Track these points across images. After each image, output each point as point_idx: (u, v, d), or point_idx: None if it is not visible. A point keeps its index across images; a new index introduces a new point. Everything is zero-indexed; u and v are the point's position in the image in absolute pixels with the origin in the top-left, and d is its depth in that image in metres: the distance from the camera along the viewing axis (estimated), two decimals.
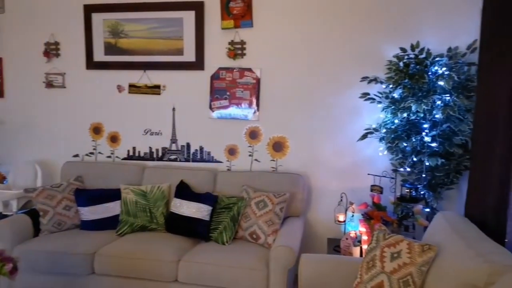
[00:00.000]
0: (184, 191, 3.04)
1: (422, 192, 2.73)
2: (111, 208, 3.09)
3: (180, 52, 3.38)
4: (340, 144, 3.19)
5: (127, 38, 3.46)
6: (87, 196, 3.12)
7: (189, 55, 3.36)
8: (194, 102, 3.41)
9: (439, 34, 2.92)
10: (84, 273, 2.68)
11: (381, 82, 2.93)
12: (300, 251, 2.61)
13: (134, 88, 3.51)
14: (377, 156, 3.07)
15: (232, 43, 3.29)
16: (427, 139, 2.61)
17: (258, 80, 3.27)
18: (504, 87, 1.93)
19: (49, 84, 3.63)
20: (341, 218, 2.90)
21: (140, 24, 3.42)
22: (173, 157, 3.49)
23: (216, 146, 3.41)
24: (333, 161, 3.21)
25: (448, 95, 2.55)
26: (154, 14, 3.38)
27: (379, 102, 2.95)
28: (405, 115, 2.70)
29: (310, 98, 3.21)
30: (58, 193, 3.10)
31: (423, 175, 2.69)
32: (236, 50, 3.28)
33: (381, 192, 2.87)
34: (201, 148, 3.44)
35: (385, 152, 2.97)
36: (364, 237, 2.63)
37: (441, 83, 2.54)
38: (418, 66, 2.69)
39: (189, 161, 3.46)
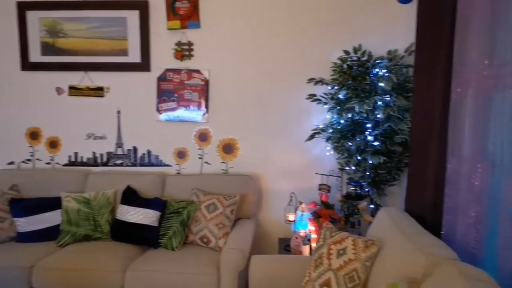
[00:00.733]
0: (130, 197, 2.93)
1: (366, 189, 2.83)
2: (51, 218, 2.90)
3: (124, 52, 3.25)
4: (290, 144, 3.23)
5: (66, 37, 3.27)
6: (24, 206, 2.90)
7: (134, 56, 3.24)
8: (141, 104, 3.30)
9: (380, 38, 3.05)
10: None
11: (327, 84, 3.00)
12: (251, 252, 2.61)
13: (74, 90, 3.32)
14: (325, 155, 3.15)
15: (179, 44, 3.22)
16: (370, 138, 2.72)
17: (206, 82, 3.23)
18: (437, 88, 2.05)
19: None
20: (291, 217, 2.94)
21: (80, 23, 3.25)
22: (119, 162, 3.35)
23: (165, 149, 3.33)
24: (283, 162, 3.25)
25: (388, 95, 2.67)
26: (95, 13, 3.23)
27: (325, 103, 3.02)
28: (349, 115, 2.78)
29: (259, 99, 3.22)
30: None
31: (367, 173, 2.79)
32: (184, 51, 3.22)
33: (329, 191, 2.94)
34: (149, 152, 3.34)
35: (332, 152, 3.05)
36: (313, 236, 2.68)
37: (381, 84, 2.65)
38: (360, 68, 2.79)
39: (136, 166, 3.34)
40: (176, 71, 3.23)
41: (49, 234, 2.86)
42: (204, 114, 3.25)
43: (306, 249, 2.64)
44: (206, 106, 3.24)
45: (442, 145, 2.02)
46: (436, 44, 2.02)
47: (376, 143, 2.72)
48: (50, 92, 3.34)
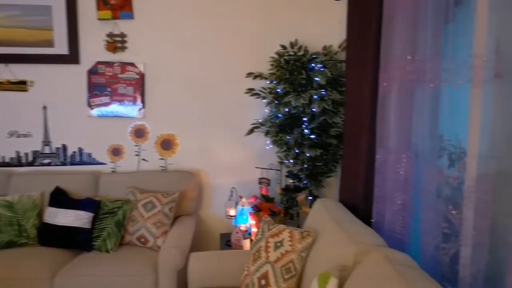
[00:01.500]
0: (59, 198, 2.74)
1: (305, 182, 2.89)
2: None
3: (50, 43, 3.02)
4: (230, 139, 3.21)
5: None
6: None
7: (61, 48, 3.02)
8: (70, 99, 3.08)
9: (316, 33, 3.12)
10: None
11: (265, 78, 3.01)
12: (192, 250, 2.56)
13: None
14: (265, 149, 3.17)
15: (111, 35, 3.05)
16: (306, 131, 2.77)
17: (142, 75, 3.10)
18: (367, 83, 2.13)
19: None
20: (232, 212, 2.93)
21: None
22: (46, 161, 3.12)
23: (98, 146, 3.15)
24: (223, 157, 3.22)
25: (323, 90, 2.73)
26: (15, 0, 2.95)
27: (264, 98, 3.03)
28: (286, 109, 2.82)
29: (198, 94, 3.16)
30: None
31: (305, 166, 2.85)
32: (116, 43, 3.05)
33: (269, 184, 2.96)
34: (81, 150, 3.14)
35: (271, 146, 3.07)
36: (254, 230, 2.69)
37: (317, 78, 2.71)
38: (297, 63, 2.83)
39: (66, 165, 3.13)
40: (109, 64, 3.07)
41: None
42: (140, 109, 3.12)
43: (246, 243, 2.64)
44: (142, 101, 3.11)
45: (372, 137, 2.12)
46: (365, 40, 2.10)
47: (312, 136, 2.78)
48: None
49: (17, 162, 3.10)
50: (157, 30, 3.08)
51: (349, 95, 2.33)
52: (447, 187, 1.56)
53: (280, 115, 2.90)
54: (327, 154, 2.85)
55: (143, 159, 3.18)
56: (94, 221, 2.67)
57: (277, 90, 2.93)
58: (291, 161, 2.92)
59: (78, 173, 3.00)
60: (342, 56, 2.92)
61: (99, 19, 3.01)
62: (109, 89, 3.08)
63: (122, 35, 3.06)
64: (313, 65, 2.80)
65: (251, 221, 2.76)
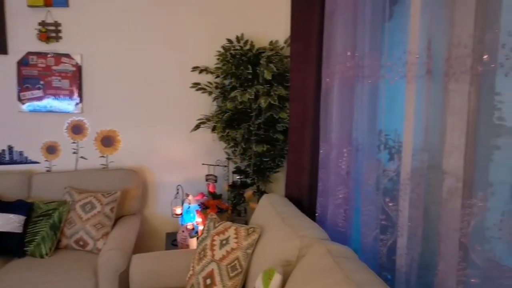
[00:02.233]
0: None
1: (252, 178, 2.88)
2: None
3: None
4: (175, 135, 3.11)
5: None
6: None
7: None
8: None
9: (262, 28, 3.11)
10: None
11: (211, 73, 2.95)
12: (136, 251, 2.46)
13: None
14: (212, 145, 3.11)
15: (43, 24, 2.83)
16: (253, 127, 2.76)
17: (79, 68, 2.91)
18: (311, 78, 2.15)
19: None
20: (178, 211, 2.85)
21: None
22: None
23: (31, 144, 2.91)
24: (169, 153, 3.12)
25: (269, 85, 2.73)
26: None
27: (210, 92, 2.97)
28: (233, 104, 2.78)
29: (141, 88, 3.02)
30: None
31: (252, 161, 2.84)
32: (49, 32, 2.84)
33: (216, 181, 2.92)
34: (10, 148, 2.89)
35: (219, 141, 3.03)
36: (201, 228, 2.64)
37: (263, 74, 2.70)
38: (243, 57, 2.80)
39: None
40: (41, 54, 2.84)
41: None
42: (77, 104, 2.93)
43: (193, 242, 2.58)
44: (80, 95, 2.93)
45: (316, 132, 2.14)
46: (308, 35, 2.12)
47: (259, 132, 2.77)
48: None
49: None
50: (95, 19, 2.90)
51: (293, 90, 2.34)
52: (384, 180, 1.61)
53: (227, 110, 2.86)
54: (274, 150, 2.86)
55: (82, 157, 2.99)
56: (26, 224, 2.47)
57: (224, 85, 2.89)
58: (238, 157, 2.90)
59: (8, 173, 2.76)
60: (288, 51, 2.93)
61: (29, 6, 2.77)
62: (42, 82, 2.86)
63: (56, 24, 2.85)
64: (259, 60, 2.79)
65: (198, 219, 2.71)
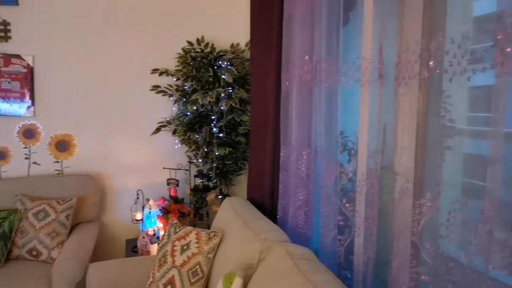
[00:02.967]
0: None
1: (215, 181, 2.86)
2: None
3: None
4: (135, 139, 3.03)
5: None
6: None
7: None
8: None
9: (223, 31, 3.10)
10: None
11: (172, 75, 2.91)
12: (94, 259, 2.37)
13: None
14: (173, 149, 3.06)
15: None
16: (215, 130, 2.74)
17: (30, 69, 2.77)
18: (271, 81, 2.17)
19: None
20: (139, 216, 2.78)
21: None
22: None
23: None
24: (129, 158, 3.04)
25: (230, 88, 2.73)
26: None
27: (171, 95, 2.93)
28: (194, 107, 2.75)
29: (98, 90, 2.92)
30: None
31: (215, 165, 2.82)
32: None
33: (178, 185, 2.87)
34: None
35: (180, 145, 2.98)
36: (162, 233, 2.58)
37: (224, 76, 2.69)
38: (204, 60, 2.78)
39: None
40: None
41: None
42: (29, 107, 2.79)
43: (154, 248, 2.52)
44: (32, 98, 2.78)
45: (277, 135, 2.16)
46: (268, 40, 2.13)
47: (221, 135, 2.76)
48: None
49: None
50: (47, 19, 2.78)
51: (254, 94, 2.35)
52: (342, 182, 1.65)
53: (188, 113, 2.82)
54: (236, 152, 2.86)
55: (34, 163, 2.85)
56: None
57: (185, 87, 2.85)
58: (200, 160, 2.87)
59: None
60: (249, 54, 2.94)
61: None
62: None
63: (5, 23, 2.70)
64: (220, 62, 2.78)
65: (159, 225, 2.65)
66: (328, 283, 1.21)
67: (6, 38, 2.71)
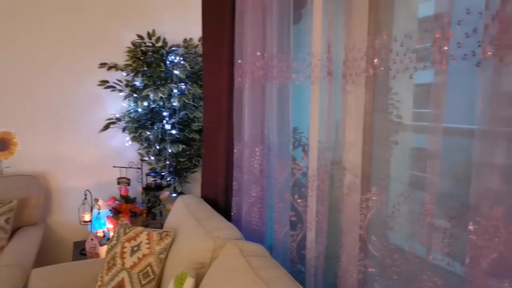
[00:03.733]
0: None
1: (168, 179, 2.79)
2: None
3: None
4: (82, 136, 2.88)
5: None
6: None
7: None
8: None
9: (175, 25, 3.01)
10: None
11: (121, 70, 2.79)
12: (38, 265, 2.22)
13: None
14: (124, 147, 2.95)
15: None
16: (167, 126, 2.67)
17: None
18: (223, 77, 2.13)
19: None
20: (87, 217, 2.65)
21: None
22: None
23: None
24: (75, 156, 2.88)
25: (183, 84, 2.67)
26: None
27: (120, 91, 2.81)
28: (146, 103, 2.67)
29: (41, 85, 2.74)
30: None
31: (168, 162, 2.75)
32: None
33: (129, 184, 2.77)
34: None
35: (131, 142, 2.88)
36: (112, 234, 2.48)
37: (176, 72, 2.63)
38: (155, 55, 2.69)
39: None
40: None
41: None
42: None
43: (104, 251, 2.42)
44: None
45: (230, 132, 2.14)
46: (220, 35, 2.10)
47: (174, 132, 2.70)
48: None
49: None
50: None
51: (207, 90, 2.31)
52: (294, 178, 1.66)
53: (140, 109, 2.73)
54: (190, 150, 2.80)
55: None
56: None
57: (135, 83, 2.75)
58: (153, 158, 2.79)
59: None
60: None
61: None
62: None
63: None
64: (172, 57, 2.71)
65: (109, 225, 2.55)
66: (279, 279, 1.21)
67: None
